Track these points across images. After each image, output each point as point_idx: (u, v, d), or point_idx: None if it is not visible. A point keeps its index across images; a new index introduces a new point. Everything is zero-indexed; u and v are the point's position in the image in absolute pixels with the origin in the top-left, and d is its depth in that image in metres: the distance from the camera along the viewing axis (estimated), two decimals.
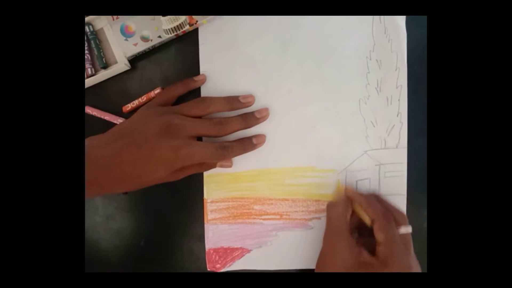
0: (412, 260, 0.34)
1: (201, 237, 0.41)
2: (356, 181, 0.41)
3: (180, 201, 0.41)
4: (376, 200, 0.36)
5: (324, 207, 0.41)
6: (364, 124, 0.41)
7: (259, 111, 0.40)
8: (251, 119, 0.39)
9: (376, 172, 0.41)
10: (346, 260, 0.33)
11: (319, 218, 0.41)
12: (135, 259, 0.42)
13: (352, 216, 0.36)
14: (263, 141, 0.40)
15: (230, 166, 0.40)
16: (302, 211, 0.41)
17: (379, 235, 0.33)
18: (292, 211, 0.41)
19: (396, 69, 0.40)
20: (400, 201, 0.41)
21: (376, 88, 0.40)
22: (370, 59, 0.40)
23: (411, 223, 0.41)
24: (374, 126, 0.41)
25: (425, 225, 0.42)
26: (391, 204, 0.37)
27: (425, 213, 0.41)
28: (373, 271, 0.32)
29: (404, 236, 0.35)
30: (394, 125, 0.41)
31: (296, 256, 0.41)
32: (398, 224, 0.35)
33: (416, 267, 0.33)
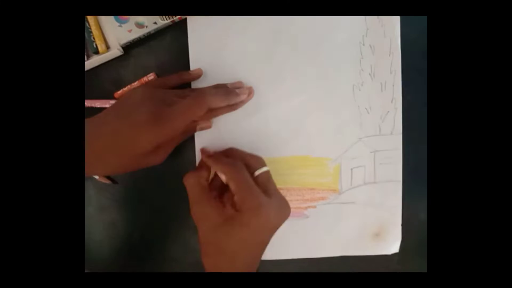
0: (265, 199, 0.32)
1: (196, 228, 0.40)
2: (352, 169, 0.40)
3: (175, 192, 0.41)
4: (223, 155, 0.36)
5: (320, 195, 0.40)
6: (358, 111, 0.40)
7: (241, 89, 0.39)
8: (232, 94, 0.38)
9: (371, 159, 0.40)
10: (213, 222, 0.33)
11: (314, 206, 0.40)
12: (129, 251, 0.41)
13: (215, 179, 0.36)
14: (247, 93, 0.39)
15: (210, 127, 0.39)
16: (297, 200, 0.40)
17: (230, 185, 0.33)
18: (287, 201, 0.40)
19: (389, 54, 0.40)
20: (395, 188, 0.40)
21: (369, 74, 0.40)
22: (363, 45, 0.40)
23: (407, 212, 0.40)
24: (368, 113, 0.40)
25: (423, 215, 0.41)
26: (246, 152, 0.37)
27: (422, 200, 0.41)
28: (235, 223, 0.32)
29: (261, 176, 0.34)
30: (388, 111, 0.40)
31: (292, 246, 0.41)
32: (254, 168, 0.35)
33: (272, 204, 0.32)
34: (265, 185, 0.34)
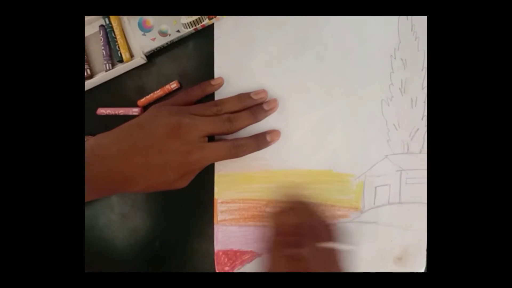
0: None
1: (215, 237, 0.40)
2: (376, 187, 0.39)
3: (197, 200, 0.41)
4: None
5: (341, 213, 0.39)
6: (386, 126, 0.38)
7: (267, 103, 0.38)
8: (260, 112, 0.38)
9: (397, 178, 0.38)
10: None
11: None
12: (150, 258, 0.41)
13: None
14: (278, 137, 0.39)
15: None
16: None
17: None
18: None
19: (422, 69, 0.37)
20: (422, 210, 0.38)
21: (400, 88, 0.38)
22: (395, 58, 0.38)
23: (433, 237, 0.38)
24: (396, 129, 0.38)
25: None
26: (321, 217, 0.37)
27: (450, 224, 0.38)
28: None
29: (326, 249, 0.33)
30: (418, 129, 0.38)
31: None
32: (322, 239, 0.34)
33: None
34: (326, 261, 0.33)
